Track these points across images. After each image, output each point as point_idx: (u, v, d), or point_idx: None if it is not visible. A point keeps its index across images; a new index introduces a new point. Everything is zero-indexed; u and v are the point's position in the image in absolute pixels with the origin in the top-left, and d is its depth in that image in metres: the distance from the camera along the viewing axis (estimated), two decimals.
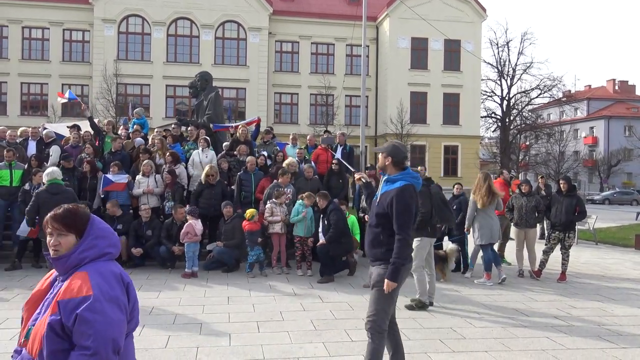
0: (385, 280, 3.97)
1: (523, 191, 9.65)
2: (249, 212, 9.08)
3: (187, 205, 9.61)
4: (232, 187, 10.41)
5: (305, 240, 9.17)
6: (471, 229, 9.13)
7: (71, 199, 7.81)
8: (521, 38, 44.17)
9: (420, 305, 6.95)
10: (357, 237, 9.63)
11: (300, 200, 9.21)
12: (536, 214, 9.54)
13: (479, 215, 8.97)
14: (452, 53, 37.67)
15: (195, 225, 8.89)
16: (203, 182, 9.70)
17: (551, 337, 5.83)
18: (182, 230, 8.85)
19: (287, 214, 9.31)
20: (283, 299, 7.30)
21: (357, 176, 4.83)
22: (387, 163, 4.14)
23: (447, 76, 37.63)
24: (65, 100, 12.66)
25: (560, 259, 9.34)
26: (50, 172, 8.25)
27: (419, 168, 11.32)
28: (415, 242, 6.94)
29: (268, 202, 9.38)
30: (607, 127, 59.41)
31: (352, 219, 9.69)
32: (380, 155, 4.21)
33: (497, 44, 41.22)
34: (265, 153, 11.26)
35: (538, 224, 10.87)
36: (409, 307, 6.95)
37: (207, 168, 9.80)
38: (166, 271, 9.11)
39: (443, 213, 7.57)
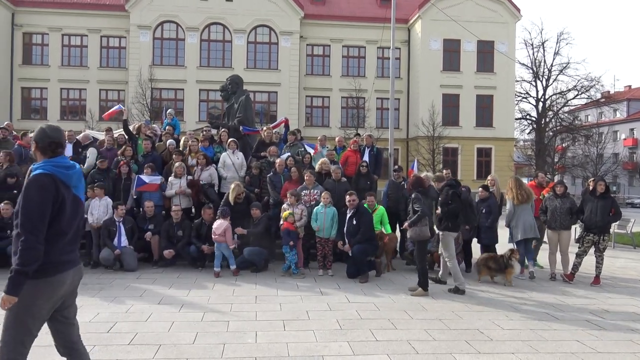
0: (2, 294, 3.09)
1: (557, 192, 9.48)
2: (286, 214, 9.16)
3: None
4: (257, 190, 10.49)
5: (327, 241, 9.22)
6: (510, 228, 9.62)
7: None
8: (557, 38, 43.62)
9: (456, 291, 7.83)
10: (387, 228, 9.73)
11: (321, 203, 9.26)
12: (570, 216, 9.36)
13: (515, 214, 9.44)
14: (485, 54, 37.15)
15: (222, 226, 9.03)
16: (232, 203, 9.60)
17: (581, 341, 5.72)
18: (217, 232, 9.00)
19: (304, 214, 9.38)
20: (310, 299, 7.36)
21: None
22: (33, 149, 3.41)
23: (480, 78, 37.13)
24: (115, 113, 13.06)
25: (595, 263, 9.13)
26: None
27: (444, 172, 11.18)
28: (440, 236, 7.68)
29: (285, 203, 9.45)
30: None
31: (381, 210, 9.81)
32: None
33: (532, 45, 40.50)
34: (288, 154, 11.29)
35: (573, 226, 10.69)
36: (452, 291, 7.88)
37: (234, 189, 9.64)
38: (196, 270, 9.28)
39: (468, 215, 7.87)
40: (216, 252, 9.05)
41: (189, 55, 36.24)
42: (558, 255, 9.54)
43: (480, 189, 9.97)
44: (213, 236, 9.02)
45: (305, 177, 9.84)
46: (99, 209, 9.42)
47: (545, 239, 11.12)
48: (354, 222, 8.80)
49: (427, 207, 7.90)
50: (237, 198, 9.61)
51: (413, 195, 7.92)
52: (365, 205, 9.45)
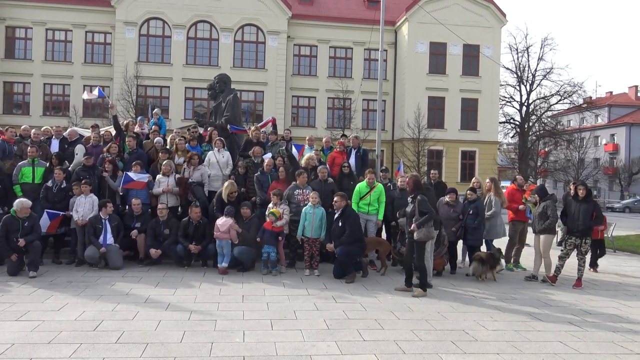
0: None
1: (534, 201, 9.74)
2: (276, 211, 9.15)
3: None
4: (243, 190, 10.48)
5: (315, 242, 9.25)
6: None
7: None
8: (541, 43, 44.01)
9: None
10: (382, 210, 9.77)
11: (309, 203, 9.29)
12: (544, 221, 9.58)
13: (499, 214, 10.18)
14: (471, 58, 37.53)
15: (226, 223, 9.07)
16: (226, 201, 9.63)
17: (564, 342, 5.82)
18: (222, 229, 9.03)
19: (286, 213, 9.41)
20: (297, 299, 7.37)
21: None
22: None
23: (466, 81, 37.50)
24: (94, 97, 12.84)
25: (577, 266, 9.28)
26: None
27: (432, 172, 11.91)
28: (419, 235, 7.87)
29: (271, 202, 9.46)
30: (628, 134, 58.53)
31: (379, 187, 9.83)
32: None
33: (517, 49, 41.03)
34: (269, 155, 11.29)
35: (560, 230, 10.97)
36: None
37: (228, 186, 9.66)
38: (182, 269, 9.24)
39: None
40: (218, 249, 9.11)
41: (175, 53, 36.04)
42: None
43: (468, 191, 10.10)
44: (216, 233, 9.04)
45: (298, 177, 9.83)
46: (84, 206, 9.32)
47: (529, 241, 11.34)
48: (340, 223, 8.84)
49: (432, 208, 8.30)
50: (230, 196, 9.57)
51: (419, 197, 8.00)
52: (355, 207, 9.50)
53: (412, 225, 7.86)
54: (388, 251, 9.92)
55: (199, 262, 9.64)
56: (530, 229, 10.47)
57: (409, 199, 8.21)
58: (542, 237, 9.63)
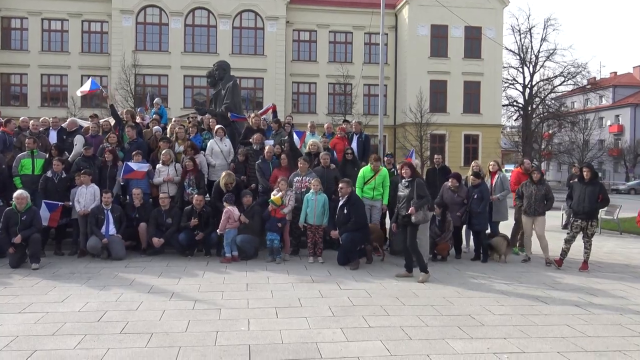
0: None
1: (534, 179, 9.69)
2: (277, 198, 9.14)
3: (208, 195, 9.88)
4: (243, 177, 10.45)
5: (317, 229, 9.24)
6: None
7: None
8: (544, 24, 43.66)
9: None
10: (387, 194, 9.68)
11: (311, 190, 9.27)
12: (545, 202, 9.63)
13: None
14: (473, 40, 37.29)
15: (233, 211, 9.07)
16: (224, 190, 9.61)
17: (571, 325, 5.83)
18: (222, 218, 9.03)
19: (292, 201, 9.41)
20: (301, 286, 7.39)
21: None
22: None
23: (468, 64, 37.29)
24: (86, 91, 12.73)
25: (583, 249, 9.28)
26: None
27: (435, 157, 11.88)
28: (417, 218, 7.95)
29: (274, 190, 9.45)
30: (633, 115, 58.25)
31: (384, 172, 9.77)
32: None
33: (520, 31, 40.73)
34: (271, 142, 11.25)
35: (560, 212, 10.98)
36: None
37: (225, 177, 9.63)
38: (185, 259, 9.24)
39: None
40: (225, 239, 9.09)
41: (173, 41, 35.86)
42: (534, 240, 9.90)
43: (471, 175, 10.07)
44: (227, 224, 9.01)
45: (299, 164, 9.79)
46: (85, 196, 9.32)
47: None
48: (345, 211, 8.82)
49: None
50: (227, 186, 9.56)
51: (417, 180, 8.02)
52: (359, 192, 9.45)
53: (410, 209, 7.85)
54: (382, 238, 9.89)
55: (201, 251, 9.65)
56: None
57: (404, 183, 8.15)
58: (539, 218, 9.71)
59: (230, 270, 8.36)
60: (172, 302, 6.43)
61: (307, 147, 10.87)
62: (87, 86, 12.44)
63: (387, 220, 10.63)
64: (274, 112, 13.15)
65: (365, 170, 9.78)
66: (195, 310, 6.10)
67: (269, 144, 11.04)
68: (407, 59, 36.97)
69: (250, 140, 11.04)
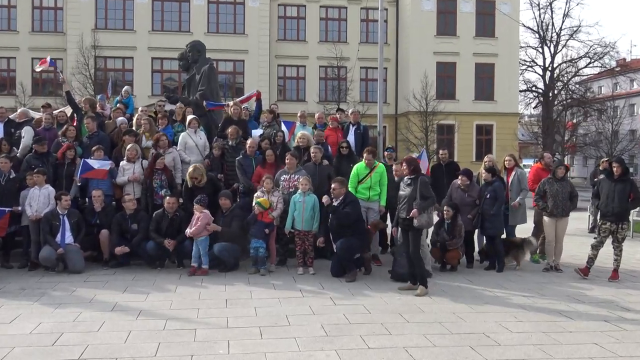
0: None
1: (557, 176, 9.72)
2: (264, 200, 9.13)
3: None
4: (220, 176, 10.43)
5: (307, 235, 9.24)
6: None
7: None
8: None
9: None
10: (385, 192, 9.67)
11: (299, 191, 9.25)
12: (570, 202, 9.71)
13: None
14: (486, 16, 37.40)
15: (203, 217, 9.02)
16: (190, 185, 9.64)
17: (600, 344, 5.86)
18: (192, 224, 9.01)
19: (280, 203, 9.42)
20: (289, 302, 7.39)
21: None
22: None
23: (480, 43, 37.38)
24: (46, 67, 12.69)
25: (612, 255, 9.33)
26: None
27: (441, 151, 11.84)
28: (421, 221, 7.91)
29: (258, 191, 9.43)
30: None
31: (381, 167, 9.76)
32: None
33: (539, 5, 40.87)
34: (259, 132, 11.21)
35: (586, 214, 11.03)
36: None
37: (190, 170, 9.68)
38: (154, 271, 9.21)
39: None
40: (194, 248, 9.06)
41: (139, 18, 35.68)
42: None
43: (484, 171, 10.08)
44: (190, 230, 8.99)
45: (286, 160, 9.75)
46: (38, 199, 9.24)
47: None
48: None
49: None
50: (195, 182, 9.50)
51: (421, 179, 7.99)
52: (353, 192, 9.45)
53: (413, 211, 7.84)
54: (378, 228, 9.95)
55: (174, 262, 9.62)
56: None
57: (406, 181, 8.14)
58: (563, 220, 9.79)
59: (206, 284, 8.33)
60: (140, 322, 6.40)
61: (296, 140, 10.85)
62: (47, 60, 12.37)
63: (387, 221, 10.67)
64: (259, 101, 13.11)
65: (359, 167, 9.75)
66: (167, 331, 6.07)
67: (255, 135, 11.02)
68: (410, 38, 37.03)
69: (226, 133, 10.99)
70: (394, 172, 10.09)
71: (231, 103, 12.19)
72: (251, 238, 9.13)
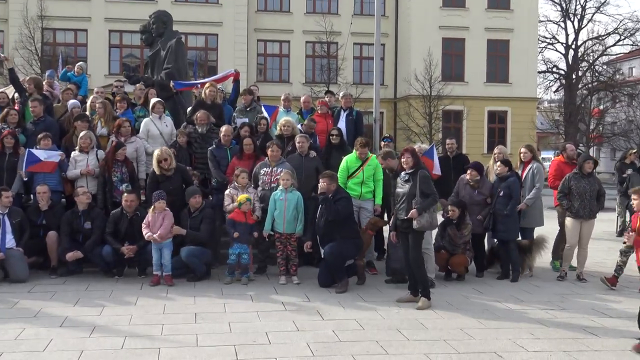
0: None
1: (585, 171, 9.77)
2: (242, 197, 9.10)
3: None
4: (189, 168, 10.39)
5: (289, 238, 9.23)
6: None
7: None
8: None
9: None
10: (380, 188, 9.73)
11: (280, 187, 9.24)
12: (597, 201, 9.77)
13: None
14: None
15: (169, 216, 8.98)
16: (157, 172, 9.58)
17: None
18: (154, 224, 8.95)
19: (256, 201, 9.45)
20: (270, 316, 7.39)
21: None
22: None
23: (493, 17, 37.49)
24: None
25: None
26: None
27: (448, 142, 11.83)
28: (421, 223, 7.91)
29: (229, 187, 9.41)
30: None
31: (373, 160, 9.78)
32: None
33: None
34: (245, 119, 11.19)
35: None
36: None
37: (156, 152, 9.63)
38: (112, 280, 9.19)
39: None
40: (154, 253, 8.98)
41: None
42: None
43: (498, 163, 10.07)
44: (146, 233, 8.93)
45: (268, 151, 9.69)
46: None
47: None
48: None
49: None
50: (163, 167, 9.43)
51: (421, 173, 7.98)
52: (342, 188, 9.44)
53: (412, 211, 7.84)
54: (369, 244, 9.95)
55: (134, 269, 9.59)
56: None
57: (403, 176, 8.12)
58: (590, 222, 9.84)
59: (173, 295, 8.32)
60: (94, 340, 6.37)
61: (278, 128, 10.82)
62: None
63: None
64: (236, 83, 13.05)
65: (349, 160, 9.74)
66: (125, 350, 6.05)
67: (240, 122, 11.01)
68: (412, 10, 37.08)
69: (194, 118, 10.93)
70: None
71: (207, 83, 12.08)
72: (235, 243, 9.09)
